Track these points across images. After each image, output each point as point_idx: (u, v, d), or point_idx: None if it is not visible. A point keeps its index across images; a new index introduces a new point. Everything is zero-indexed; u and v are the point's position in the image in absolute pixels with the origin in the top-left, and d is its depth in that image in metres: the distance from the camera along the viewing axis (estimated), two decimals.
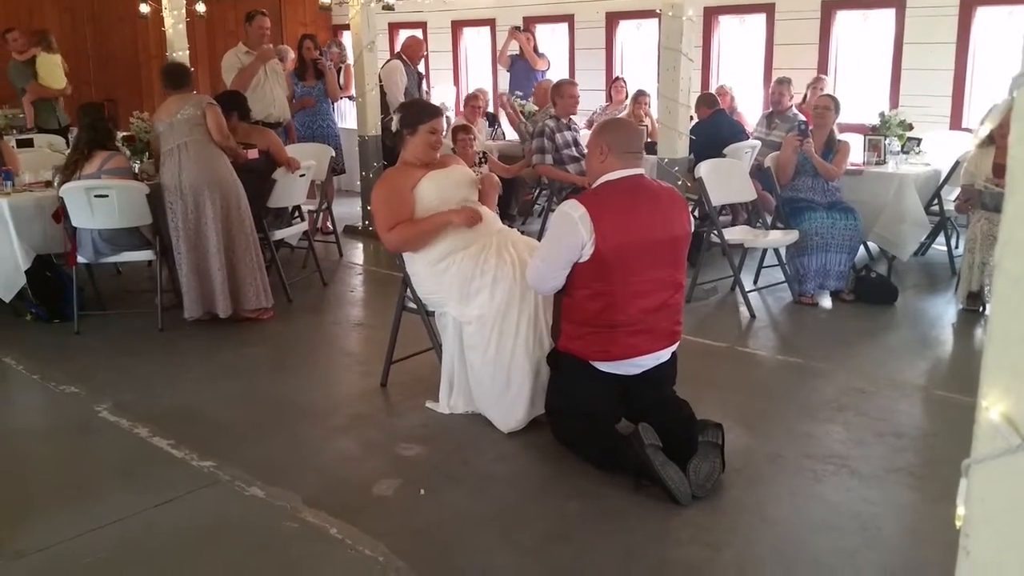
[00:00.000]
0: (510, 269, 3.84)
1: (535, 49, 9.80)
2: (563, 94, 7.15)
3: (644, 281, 3.48)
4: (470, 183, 4.24)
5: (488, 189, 4.25)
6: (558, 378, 3.73)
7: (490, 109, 9.23)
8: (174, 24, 8.54)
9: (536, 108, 8.33)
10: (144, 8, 9.93)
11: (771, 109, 7.68)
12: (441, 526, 3.17)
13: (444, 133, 4.35)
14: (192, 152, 5.27)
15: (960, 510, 1.09)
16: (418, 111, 4.23)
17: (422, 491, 3.41)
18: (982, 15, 7.83)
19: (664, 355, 3.64)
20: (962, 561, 1.10)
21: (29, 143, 7.81)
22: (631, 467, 3.33)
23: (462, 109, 8.81)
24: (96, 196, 5.18)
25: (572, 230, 3.41)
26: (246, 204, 5.44)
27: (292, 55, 8.76)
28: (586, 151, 3.76)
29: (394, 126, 4.20)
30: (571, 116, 7.26)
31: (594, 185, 3.59)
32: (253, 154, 5.91)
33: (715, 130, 7.09)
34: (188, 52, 8.56)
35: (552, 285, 3.62)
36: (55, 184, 5.46)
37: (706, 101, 7.43)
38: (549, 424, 3.79)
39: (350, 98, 9.18)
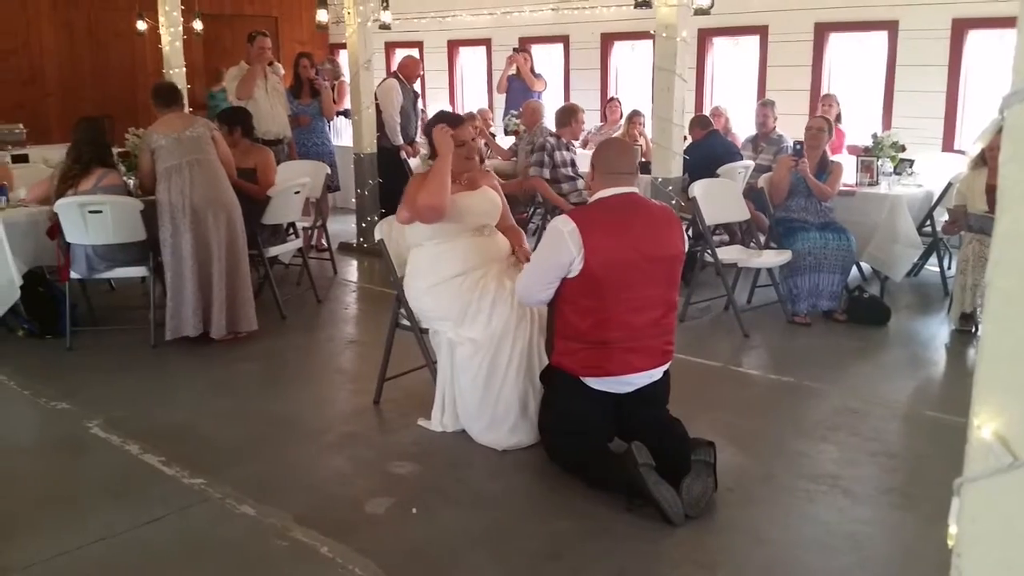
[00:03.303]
0: (510, 297, 3.84)
1: (532, 70, 9.84)
2: (578, 119, 7.34)
3: (636, 298, 3.49)
4: (495, 208, 4.22)
5: (512, 237, 4.26)
6: (551, 394, 3.73)
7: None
8: (171, 41, 8.59)
9: (525, 127, 8.36)
10: (141, 25, 9.97)
11: (756, 132, 7.72)
12: (433, 544, 3.15)
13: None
14: (204, 170, 5.28)
15: (952, 529, 1.09)
16: (438, 122, 4.21)
17: (414, 510, 3.39)
18: (974, 38, 7.90)
19: (656, 374, 3.64)
20: None
21: (24, 158, 7.82)
22: (624, 486, 3.32)
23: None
24: (90, 212, 5.18)
25: (561, 245, 3.44)
26: (243, 226, 5.46)
27: (283, 72, 8.78)
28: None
29: (427, 148, 4.22)
30: (573, 141, 7.38)
31: (589, 202, 3.67)
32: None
33: (709, 151, 7.11)
34: (184, 69, 8.59)
35: (539, 298, 3.65)
36: (52, 184, 5.41)
37: (700, 123, 7.47)
38: (542, 442, 3.78)
39: (344, 114, 9.20)
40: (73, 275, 5.37)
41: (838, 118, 7.57)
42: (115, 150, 6.37)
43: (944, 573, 1.15)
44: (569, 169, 7.16)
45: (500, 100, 10.35)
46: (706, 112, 8.37)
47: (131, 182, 5.86)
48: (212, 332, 5.32)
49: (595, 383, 3.56)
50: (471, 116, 8.49)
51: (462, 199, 4.07)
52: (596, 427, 3.59)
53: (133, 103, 11.24)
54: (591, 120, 9.68)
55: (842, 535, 3.20)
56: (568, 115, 7.39)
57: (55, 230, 5.31)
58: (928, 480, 3.60)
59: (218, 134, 5.55)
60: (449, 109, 10.46)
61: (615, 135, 8.62)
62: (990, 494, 1.03)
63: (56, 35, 10.91)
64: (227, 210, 5.33)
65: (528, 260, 4.00)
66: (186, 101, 8.05)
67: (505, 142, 9.08)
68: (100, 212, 5.19)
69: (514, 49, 10.07)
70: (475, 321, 3.85)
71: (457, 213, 4.01)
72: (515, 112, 8.90)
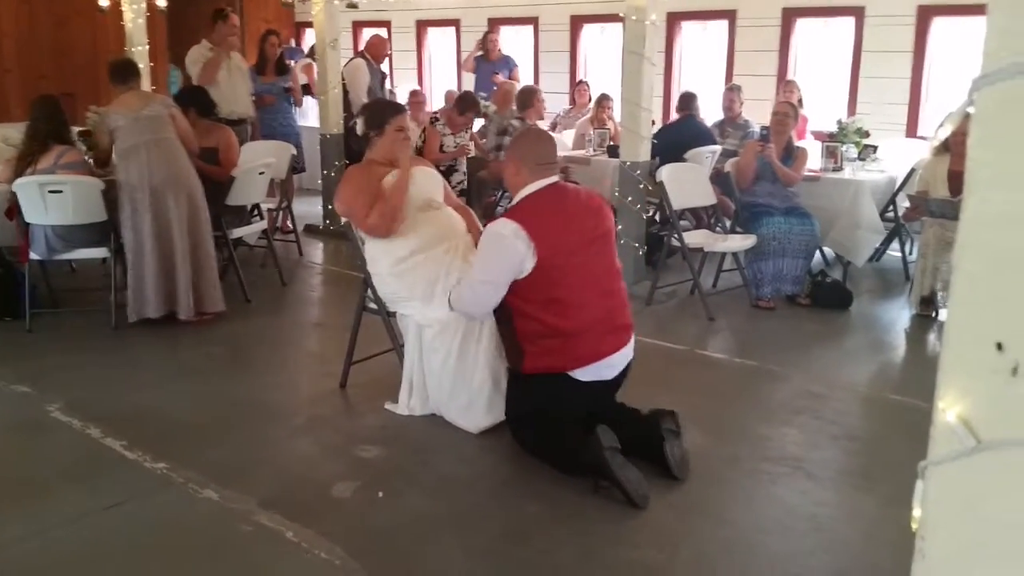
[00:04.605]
0: None
1: (499, 50, 9.82)
2: (538, 98, 7.66)
3: (588, 277, 3.55)
4: (435, 182, 4.25)
5: (463, 216, 4.25)
6: (527, 393, 3.67)
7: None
8: (134, 19, 8.41)
9: (495, 108, 8.33)
10: (104, 2, 9.76)
11: (723, 117, 7.75)
12: (399, 529, 3.15)
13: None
14: (162, 150, 5.20)
15: (916, 512, 1.10)
16: (382, 110, 4.23)
17: (380, 493, 3.38)
18: (938, 25, 7.99)
19: (629, 351, 3.68)
20: (917, 564, 1.11)
21: None
22: (590, 469, 3.34)
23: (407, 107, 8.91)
24: (50, 191, 5.08)
25: (506, 247, 3.45)
26: (206, 206, 5.39)
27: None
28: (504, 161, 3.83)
29: (360, 129, 4.17)
30: (538, 120, 7.45)
31: (515, 200, 3.63)
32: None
33: (678, 135, 7.14)
34: (148, 47, 8.42)
35: (486, 308, 3.65)
36: (5, 176, 5.31)
37: (682, 102, 7.54)
38: (511, 430, 3.78)
39: (306, 90, 9.10)
40: (33, 256, 5.27)
41: (799, 103, 7.62)
42: (76, 128, 6.26)
43: (906, 555, 1.16)
44: None
45: (469, 81, 10.30)
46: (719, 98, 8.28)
47: (91, 161, 5.75)
48: (180, 313, 5.26)
49: (581, 373, 3.55)
50: (412, 94, 8.71)
51: (397, 176, 4.04)
52: (573, 416, 3.59)
53: (95, 81, 11.02)
54: (560, 103, 9.68)
55: (804, 517, 3.24)
56: (529, 96, 7.57)
57: (14, 210, 5.21)
58: (888, 463, 3.65)
59: (176, 111, 5.44)
60: (418, 88, 10.41)
61: (583, 119, 8.61)
62: (954, 477, 1.04)
63: (16, 11, 10.66)
64: (187, 189, 5.26)
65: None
66: (149, 80, 7.95)
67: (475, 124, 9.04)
68: (60, 192, 5.09)
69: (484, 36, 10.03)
70: (443, 300, 3.83)
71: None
72: (484, 95, 8.86)
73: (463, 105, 7.38)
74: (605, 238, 3.66)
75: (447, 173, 6.98)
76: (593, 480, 3.35)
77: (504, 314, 3.67)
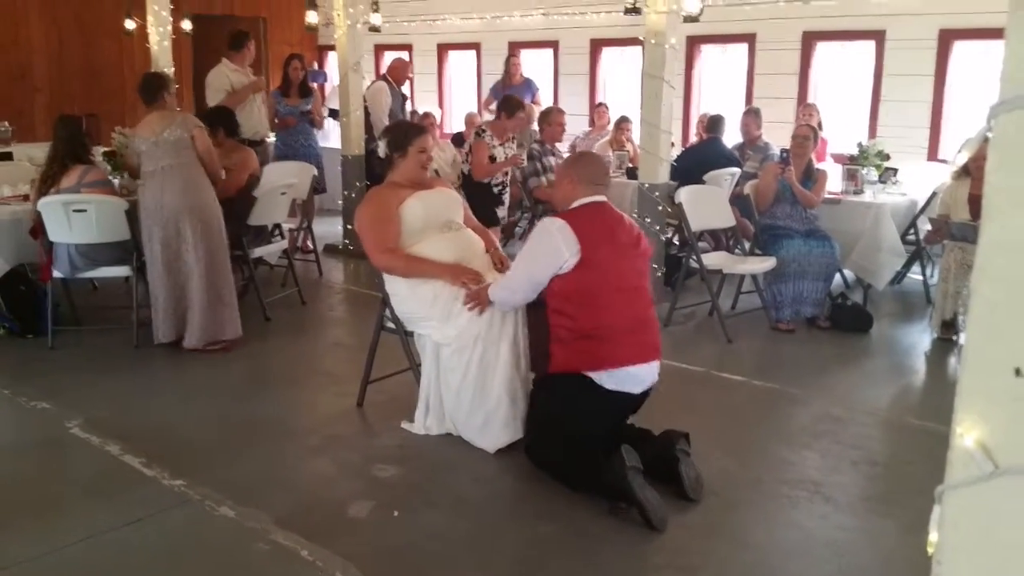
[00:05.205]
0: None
1: (520, 74, 9.85)
2: (551, 122, 7.26)
3: (625, 284, 3.62)
4: (455, 203, 4.28)
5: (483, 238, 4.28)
6: (552, 399, 3.68)
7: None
8: (159, 41, 8.55)
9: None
10: (130, 24, 9.91)
11: (742, 140, 7.74)
12: (415, 549, 3.14)
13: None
14: (177, 175, 5.12)
15: (933, 536, 1.09)
16: (405, 132, 4.25)
17: (396, 513, 3.38)
18: (959, 49, 7.96)
19: (655, 371, 3.70)
20: None
21: (8, 156, 7.76)
22: (609, 489, 3.33)
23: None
24: (74, 210, 5.14)
25: (553, 241, 3.58)
26: (223, 230, 5.32)
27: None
28: (555, 179, 3.93)
29: (382, 151, 4.20)
30: (556, 143, 7.35)
31: (568, 208, 3.73)
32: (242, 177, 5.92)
33: (702, 156, 7.14)
34: (173, 69, 8.55)
35: (523, 299, 3.74)
36: (32, 197, 5.38)
37: (709, 124, 7.54)
38: (524, 444, 3.77)
39: (332, 114, 9.17)
40: (56, 274, 5.33)
41: (819, 126, 7.60)
42: (101, 149, 6.34)
43: None
44: (552, 174, 7.15)
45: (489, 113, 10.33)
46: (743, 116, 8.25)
47: (116, 181, 5.82)
48: (184, 342, 5.20)
49: (608, 380, 3.55)
50: (424, 116, 8.58)
51: (418, 198, 4.08)
52: (597, 430, 3.59)
53: (121, 102, 11.18)
54: (579, 125, 9.71)
55: (823, 541, 3.21)
56: (541, 120, 7.44)
57: (38, 230, 5.27)
58: (909, 488, 3.61)
59: (200, 131, 5.30)
60: (438, 112, 10.48)
61: (602, 141, 8.64)
62: (971, 502, 1.03)
63: (45, 32, 10.84)
64: (202, 216, 5.15)
65: (502, 262, 4.13)
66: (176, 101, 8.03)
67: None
68: (84, 211, 5.15)
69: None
70: (460, 319, 3.84)
71: (418, 212, 4.04)
72: None
73: (509, 107, 6.71)
74: (643, 258, 3.78)
75: (499, 194, 6.65)
76: (609, 500, 3.33)
77: (539, 317, 3.75)
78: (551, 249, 3.58)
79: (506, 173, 6.75)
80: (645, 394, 3.70)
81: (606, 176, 3.92)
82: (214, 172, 5.40)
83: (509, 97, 6.94)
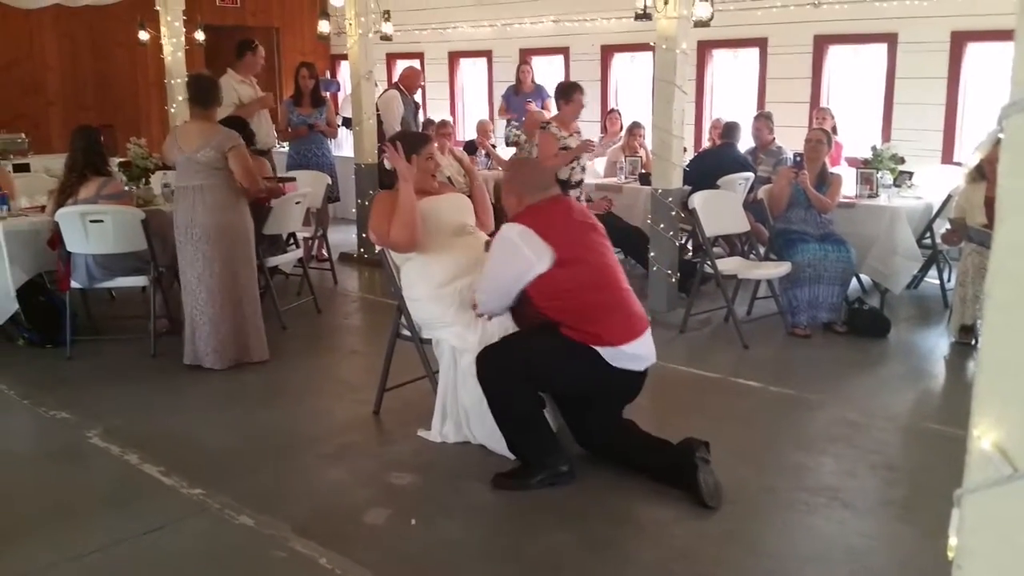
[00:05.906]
0: None
1: (531, 80, 9.86)
2: (571, 99, 6.76)
3: (605, 264, 3.67)
4: (466, 207, 4.30)
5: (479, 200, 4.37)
6: (545, 345, 3.61)
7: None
8: (173, 52, 8.60)
9: (525, 136, 8.35)
10: (143, 35, 9.99)
11: (754, 145, 7.73)
12: (432, 556, 3.15)
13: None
14: (208, 197, 4.99)
15: (952, 540, 1.09)
16: (411, 142, 4.28)
17: (413, 520, 3.38)
18: (973, 51, 7.92)
19: (652, 346, 3.71)
20: None
21: (26, 167, 7.83)
22: (538, 449, 3.57)
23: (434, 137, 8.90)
24: (91, 221, 5.18)
25: (516, 250, 3.57)
26: (253, 252, 5.29)
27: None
28: (503, 193, 3.92)
29: (388, 163, 4.22)
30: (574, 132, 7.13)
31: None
32: (291, 187, 5.93)
33: (715, 162, 7.13)
34: (187, 79, 8.60)
35: (502, 305, 3.75)
36: (49, 209, 5.42)
37: (725, 131, 7.54)
38: (483, 350, 3.68)
39: (346, 123, 9.21)
40: (73, 284, 5.38)
41: (833, 130, 7.58)
42: (116, 160, 6.39)
43: None
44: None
45: (502, 124, 10.34)
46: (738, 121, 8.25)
47: (133, 191, 5.87)
48: (203, 362, 5.12)
49: (616, 358, 3.54)
50: (441, 124, 8.59)
51: (429, 203, 4.11)
52: (555, 392, 3.70)
53: (135, 113, 11.27)
54: (592, 131, 9.70)
55: (842, 547, 3.19)
56: (560, 95, 6.91)
57: (56, 240, 5.32)
58: (928, 493, 3.59)
59: (239, 148, 5.06)
60: (449, 119, 10.50)
61: (615, 147, 8.64)
62: (990, 505, 1.03)
63: (59, 45, 10.94)
64: (228, 238, 5.05)
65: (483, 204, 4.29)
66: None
67: (506, 153, 9.08)
68: (101, 221, 5.20)
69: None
70: (480, 324, 3.84)
71: (430, 218, 4.06)
72: (516, 124, 8.91)
73: (564, 92, 6.55)
74: (599, 232, 3.78)
75: (573, 185, 6.47)
76: (548, 476, 3.57)
77: (524, 315, 3.75)
78: (516, 257, 3.57)
79: (584, 169, 6.67)
80: (644, 376, 3.71)
81: (549, 178, 3.94)
82: (254, 188, 5.20)
83: (562, 83, 6.87)
